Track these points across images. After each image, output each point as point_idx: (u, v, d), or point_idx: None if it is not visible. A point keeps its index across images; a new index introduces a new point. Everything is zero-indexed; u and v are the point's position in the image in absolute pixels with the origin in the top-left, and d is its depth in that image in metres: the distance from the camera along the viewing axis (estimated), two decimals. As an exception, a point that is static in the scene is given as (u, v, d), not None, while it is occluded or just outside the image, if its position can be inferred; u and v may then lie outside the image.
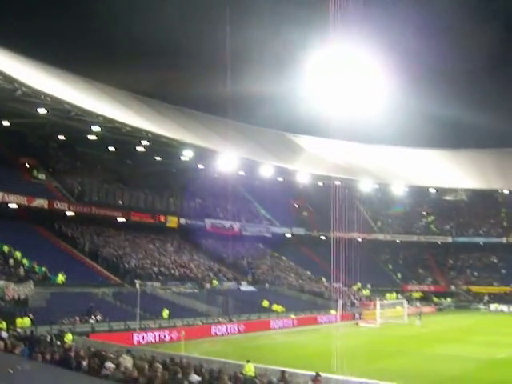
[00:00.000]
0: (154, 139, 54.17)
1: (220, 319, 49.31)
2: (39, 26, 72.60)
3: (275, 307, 56.75)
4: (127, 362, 20.97)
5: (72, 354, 22.04)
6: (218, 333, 46.37)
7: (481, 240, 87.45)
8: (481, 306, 78.40)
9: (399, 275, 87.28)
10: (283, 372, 21.73)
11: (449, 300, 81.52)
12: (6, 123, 49.70)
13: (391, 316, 60.61)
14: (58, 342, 26.94)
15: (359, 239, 78.34)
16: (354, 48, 55.37)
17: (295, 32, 75.45)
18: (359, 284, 73.90)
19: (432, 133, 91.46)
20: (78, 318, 39.86)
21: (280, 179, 73.41)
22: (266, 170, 66.08)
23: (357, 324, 57.55)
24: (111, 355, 22.18)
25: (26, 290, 39.51)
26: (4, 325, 30.67)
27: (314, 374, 21.27)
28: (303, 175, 70.83)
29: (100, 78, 59.82)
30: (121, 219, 57.65)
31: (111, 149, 61.42)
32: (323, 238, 79.75)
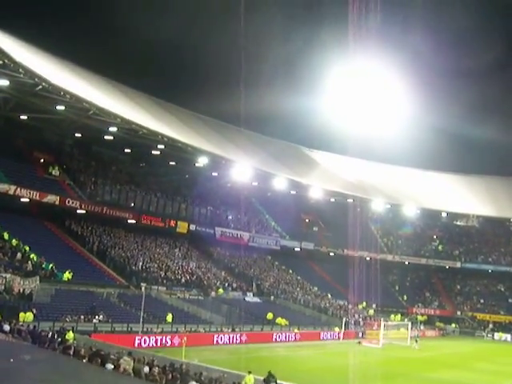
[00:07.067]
0: (170, 144, 54.09)
1: (223, 328, 49.23)
2: (64, 23, 73.03)
3: (279, 320, 56.55)
4: (127, 364, 20.95)
5: (71, 352, 22.04)
6: (220, 341, 46.26)
7: (489, 267, 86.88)
8: (485, 334, 77.82)
9: (405, 297, 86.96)
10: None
11: (453, 325, 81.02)
12: (23, 117, 49.79)
13: (394, 337, 60.19)
14: (59, 339, 26.93)
15: (368, 258, 78.12)
16: (373, 65, 55.58)
17: (315, 47, 75.61)
18: (364, 303, 73.60)
19: (446, 157, 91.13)
20: (82, 317, 39.97)
21: (293, 192, 73.15)
22: (279, 183, 65.83)
23: (359, 343, 57.16)
24: (112, 356, 22.16)
25: (31, 284, 39.59)
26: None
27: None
28: (316, 190, 70.48)
29: (119, 79, 59.81)
30: (131, 221, 57.71)
31: (126, 150, 61.62)
32: (332, 254, 79.80)
